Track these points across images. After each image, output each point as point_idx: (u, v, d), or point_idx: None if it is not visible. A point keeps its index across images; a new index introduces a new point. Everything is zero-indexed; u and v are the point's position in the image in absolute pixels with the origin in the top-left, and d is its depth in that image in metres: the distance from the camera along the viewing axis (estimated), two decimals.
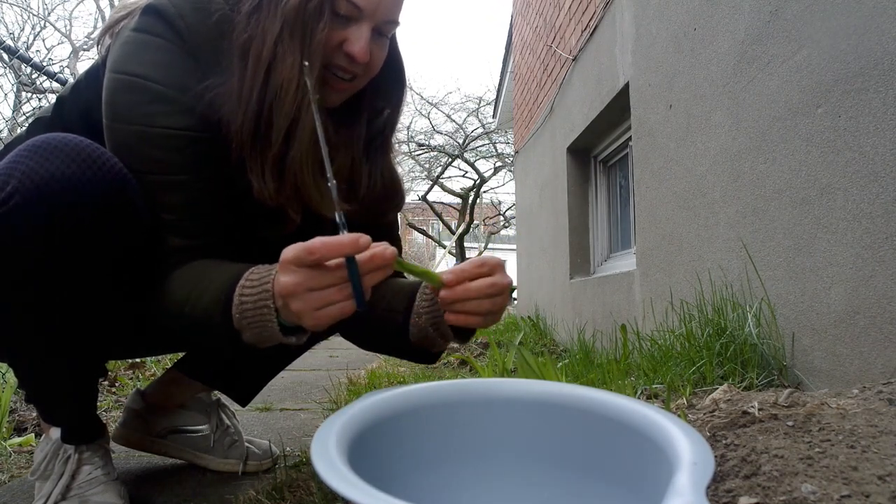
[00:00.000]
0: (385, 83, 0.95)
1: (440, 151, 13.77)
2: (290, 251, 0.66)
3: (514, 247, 6.34)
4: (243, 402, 1.26)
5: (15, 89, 2.96)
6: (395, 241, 1.08)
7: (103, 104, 0.81)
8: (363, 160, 0.94)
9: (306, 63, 0.77)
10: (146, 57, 0.79)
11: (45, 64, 3.26)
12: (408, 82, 1.02)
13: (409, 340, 0.90)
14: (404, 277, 1.01)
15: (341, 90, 0.87)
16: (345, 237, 0.64)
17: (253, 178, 0.82)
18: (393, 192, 1.00)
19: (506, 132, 11.99)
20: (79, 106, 0.93)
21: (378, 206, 0.98)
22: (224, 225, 0.87)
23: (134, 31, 0.81)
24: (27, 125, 0.99)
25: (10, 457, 1.33)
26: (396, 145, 1.01)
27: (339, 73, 0.84)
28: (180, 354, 1.27)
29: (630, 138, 2.70)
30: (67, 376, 0.89)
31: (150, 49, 0.79)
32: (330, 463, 0.46)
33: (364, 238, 0.64)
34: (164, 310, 0.81)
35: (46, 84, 3.15)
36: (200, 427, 1.23)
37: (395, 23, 0.86)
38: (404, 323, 0.90)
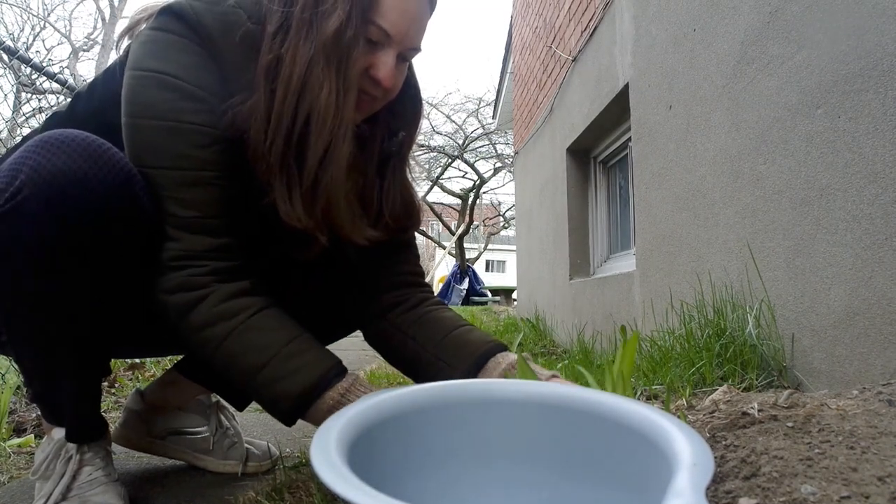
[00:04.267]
0: (401, 106, 0.97)
1: (440, 152, 13.77)
2: None
3: (513, 247, 6.34)
4: (241, 406, 1.26)
5: (15, 90, 2.96)
6: (414, 256, 1.09)
7: (124, 102, 0.82)
8: (376, 180, 0.96)
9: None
10: (171, 55, 0.80)
11: (44, 64, 3.25)
12: (424, 103, 1.04)
13: None
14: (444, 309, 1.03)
15: (362, 108, 0.88)
16: None
17: (279, 201, 0.83)
18: (411, 209, 1.02)
19: (505, 133, 11.99)
20: (92, 105, 0.94)
21: (396, 223, 0.99)
22: (244, 234, 0.87)
23: (154, 30, 0.82)
24: (44, 121, 1.01)
25: (10, 458, 1.33)
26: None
27: (362, 95, 0.86)
28: (180, 356, 1.27)
29: (630, 139, 2.70)
30: (74, 373, 0.89)
31: (173, 48, 0.81)
32: (330, 464, 0.46)
33: None
34: (212, 352, 0.81)
35: (46, 84, 3.15)
36: (200, 428, 1.23)
37: (418, 50, 0.88)
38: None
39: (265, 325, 0.82)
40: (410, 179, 1.02)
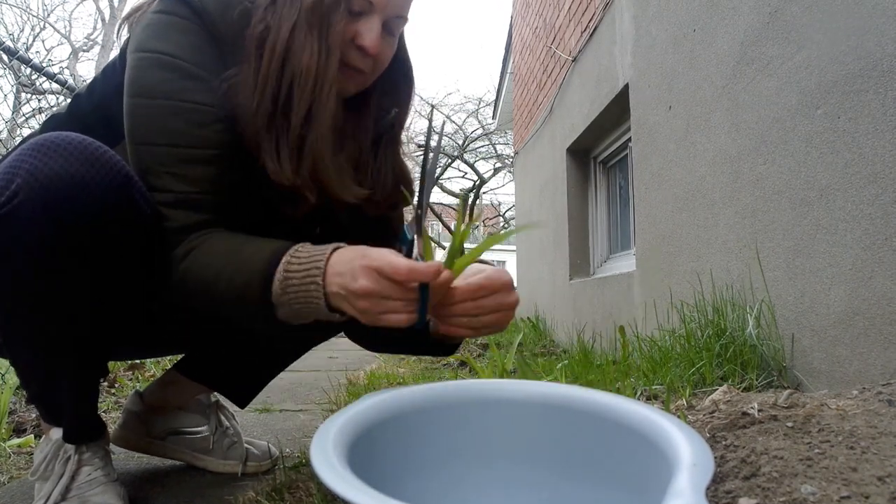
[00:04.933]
0: (393, 82, 0.98)
1: (440, 152, 13.77)
2: (377, 261, 0.70)
3: (513, 248, 6.34)
4: (242, 403, 1.27)
5: (15, 90, 2.96)
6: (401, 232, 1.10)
7: (127, 83, 0.83)
8: (371, 154, 0.97)
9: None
10: (173, 37, 0.82)
11: (44, 65, 3.26)
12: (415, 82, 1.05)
13: (428, 333, 0.91)
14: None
15: (352, 79, 0.90)
16: (431, 266, 0.69)
17: (267, 161, 0.84)
18: (405, 185, 1.03)
19: (505, 133, 11.99)
20: (94, 100, 0.95)
21: (390, 199, 1.01)
22: (240, 205, 0.88)
23: (157, 13, 0.83)
24: (42, 123, 1.01)
25: (10, 458, 1.33)
26: (405, 142, 1.04)
27: (350, 69, 0.88)
28: (180, 356, 1.27)
29: (630, 139, 2.70)
30: (73, 373, 0.89)
31: (175, 30, 0.82)
32: (329, 464, 0.46)
33: (446, 272, 0.71)
34: (192, 286, 0.80)
35: (46, 85, 3.15)
36: (199, 428, 1.23)
37: (404, 18, 0.90)
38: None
39: (224, 235, 0.83)
40: (404, 157, 1.04)
